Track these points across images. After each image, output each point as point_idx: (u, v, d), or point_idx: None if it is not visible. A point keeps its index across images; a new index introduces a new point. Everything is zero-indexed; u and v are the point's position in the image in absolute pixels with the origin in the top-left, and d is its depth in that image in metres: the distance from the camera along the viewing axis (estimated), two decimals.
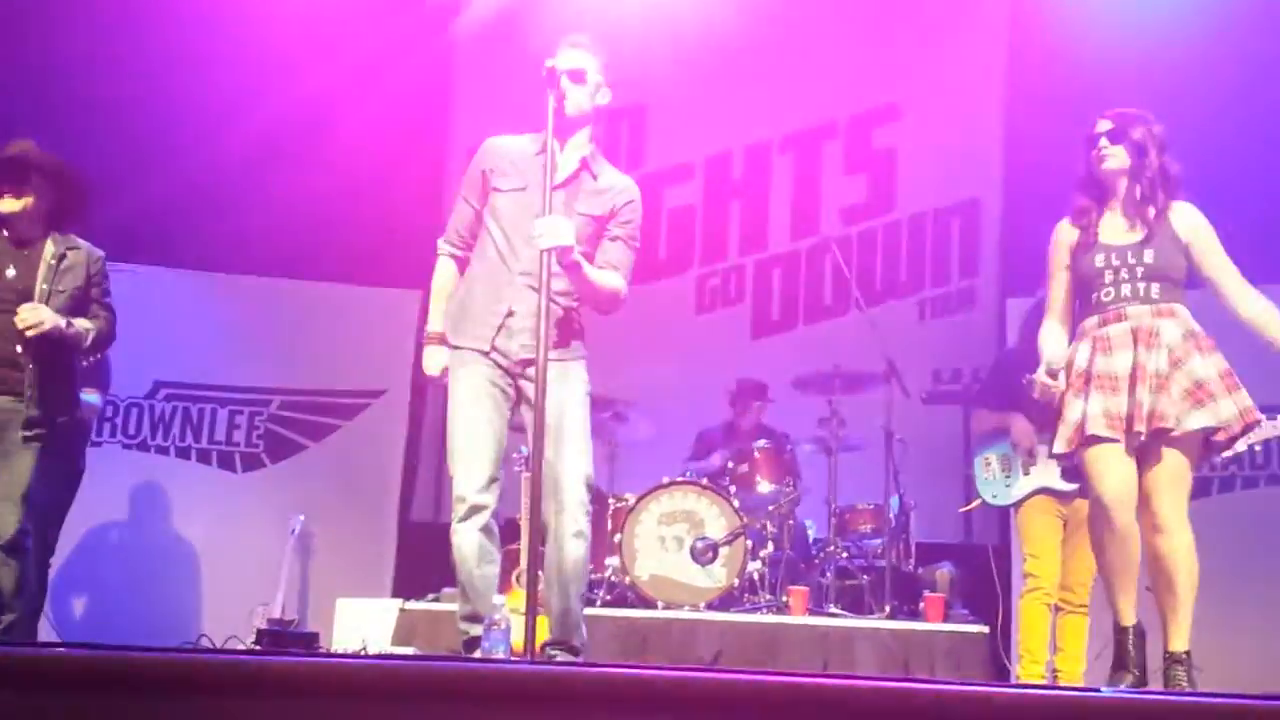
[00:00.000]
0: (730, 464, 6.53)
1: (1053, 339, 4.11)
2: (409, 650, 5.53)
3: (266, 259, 7.32)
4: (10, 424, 4.59)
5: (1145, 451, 3.82)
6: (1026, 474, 5.25)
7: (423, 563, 6.98)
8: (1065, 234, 4.09)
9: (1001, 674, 5.63)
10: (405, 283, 7.59)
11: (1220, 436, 3.82)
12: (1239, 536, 6.24)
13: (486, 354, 4.00)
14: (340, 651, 5.44)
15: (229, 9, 7.43)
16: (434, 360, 4.17)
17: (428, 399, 7.71)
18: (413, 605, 5.95)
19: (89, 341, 4.78)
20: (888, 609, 5.97)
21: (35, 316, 4.57)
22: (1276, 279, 6.25)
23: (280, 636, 5.39)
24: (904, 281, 7.81)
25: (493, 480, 3.98)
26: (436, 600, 6.06)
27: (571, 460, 3.95)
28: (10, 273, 4.70)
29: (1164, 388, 3.76)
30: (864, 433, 6.56)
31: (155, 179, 6.84)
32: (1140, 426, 3.76)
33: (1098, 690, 3.63)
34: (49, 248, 4.75)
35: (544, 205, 3.81)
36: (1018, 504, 5.33)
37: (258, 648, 5.16)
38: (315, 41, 7.52)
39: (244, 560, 6.86)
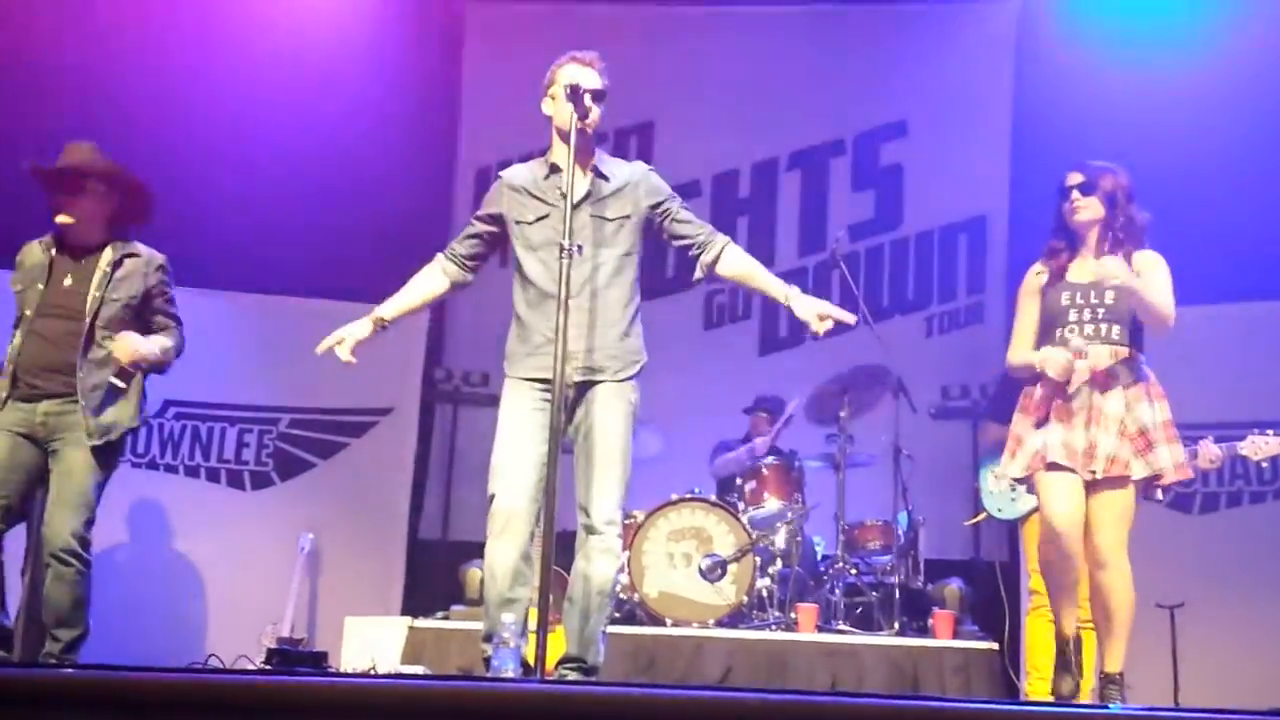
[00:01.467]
0: (739, 480, 6.53)
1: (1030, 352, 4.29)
2: (418, 669, 5.53)
3: (274, 277, 7.33)
4: (66, 429, 4.54)
5: (1095, 488, 4.08)
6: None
7: (432, 581, 6.99)
8: (1037, 278, 4.30)
9: (1011, 691, 5.62)
10: None
11: (1162, 482, 4.09)
12: (1247, 551, 6.27)
13: (545, 382, 3.93)
14: (350, 671, 5.43)
15: (237, 28, 7.47)
16: (350, 330, 4.20)
17: (436, 416, 7.71)
18: (422, 623, 5.95)
19: (171, 360, 4.78)
20: (897, 626, 5.96)
21: (131, 351, 4.55)
22: None
23: (290, 655, 5.38)
24: (911, 298, 7.83)
25: (530, 497, 3.90)
26: (446, 618, 6.06)
27: (604, 478, 3.95)
28: (67, 281, 4.64)
29: (1123, 432, 4.03)
30: (872, 449, 6.56)
31: (161, 197, 6.86)
32: (1095, 466, 4.02)
33: (1105, 707, 3.65)
34: (106, 254, 4.67)
35: (565, 227, 3.83)
36: (1023, 519, 5.32)
37: (268, 667, 5.15)
38: (324, 59, 7.56)
39: (253, 579, 6.86)
